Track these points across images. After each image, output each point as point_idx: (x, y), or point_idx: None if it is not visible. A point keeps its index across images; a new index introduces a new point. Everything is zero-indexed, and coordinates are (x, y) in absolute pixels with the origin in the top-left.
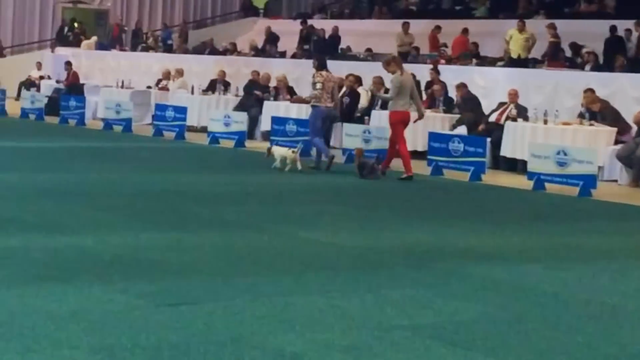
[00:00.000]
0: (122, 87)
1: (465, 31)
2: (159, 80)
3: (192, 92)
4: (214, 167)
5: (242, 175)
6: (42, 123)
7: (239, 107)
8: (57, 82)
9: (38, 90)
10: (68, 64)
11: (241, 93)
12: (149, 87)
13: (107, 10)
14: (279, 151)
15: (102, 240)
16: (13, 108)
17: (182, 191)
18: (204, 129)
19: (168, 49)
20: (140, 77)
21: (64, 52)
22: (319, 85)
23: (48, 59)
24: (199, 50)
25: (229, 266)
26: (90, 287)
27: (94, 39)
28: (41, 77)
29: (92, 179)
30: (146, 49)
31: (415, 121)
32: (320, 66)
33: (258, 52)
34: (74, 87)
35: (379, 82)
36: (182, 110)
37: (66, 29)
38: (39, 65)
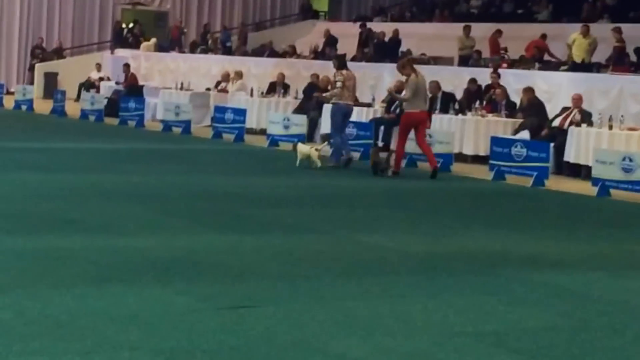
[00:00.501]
0: (181, 89)
1: (543, 36)
2: (218, 83)
3: (252, 95)
4: (273, 169)
5: (301, 177)
6: (102, 124)
7: (299, 110)
8: (117, 83)
9: (97, 91)
10: (126, 66)
11: (300, 96)
12: (208, 89)
13: (167, 11)
14: (302, 149)
15: (162, 242)
16: (73, 109)
17: (241, 193)
18: (263, 132)
19: (227, 51)
20: (199, 79)
21: (123, 53)
22: (339, 84)
23: (107, 60)
24: (258, 52)
25: (289, 269)
26: (151, 289)
27: (153, 40)
28: (100, 79)
29: (152, 181)
30: (205, 51)
31: (428, 126)
32: (341, 66)
33: (317, 54)
34: (133, 89)
35: (437, 86)
36: (241, 113)
37: (125, 30)
38: (99, 67)
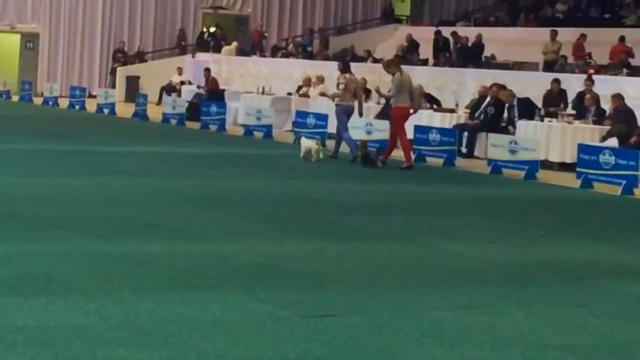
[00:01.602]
0: (262, 93)
1: (622, 39)
2: (300, 87)
3: (333, 100)
4: (356, 175)
5: (385, 184)
6: (183, 128)
7: (381, 115)
8: (198, 87)
9: (179, 95)
10: (207, 70)
11: (383, 101)
12: (289, 93)
13: (248, 16)
14: (305, 143)
15: (244, 249)
16: (154, 113)
17: (324, 199)
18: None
19: (308, 56)
20: (280, 83)
21: (205, 57)
22: (341, 86)
23: (189, 64)
24: (340, 56)
25: (373, 277)
26: (235, 296)
27: (235, 44)
28: (182, 83)
29: (234, 186)
30: (286, 55)
31: (411, 114)
32: (344, 69)
33: (399, 59)
34: (214, 93)
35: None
36: (322, 117)
37: (206, 34)
38: (180, 71)
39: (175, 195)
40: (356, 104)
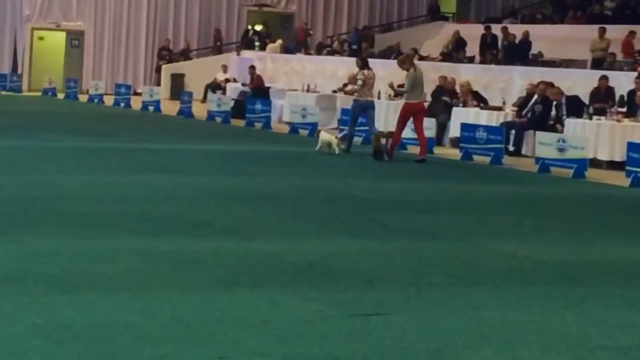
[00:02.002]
0: (307, 91)
1: None
2: (345, 85)
3: (379, 97)
4: (402, 173)
5: (430, 183)
6: (228, 126)
7: (427, 113)
8: (243, 85)
9: (224, 93)
10: (252, 67)
11: (429, 99)
12: (334, 91)
13: (293, 13)
14: (323, 136)
15: (291, 247)
16: (199, 110)
17: (370, 198)
18: (391, 134)
19: (354, 53)
20: (325, 81)
21: (249, 55)
22: (360, 82)
23: (233, 62)
24: (386, 54)
25: (421, 276)
26: (281, 295)
27: (279, 42)
28: (227, 80)
29: (280, 184)
30: (331, 52)
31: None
32: (363, 65)
33: (445, 56)
34: (259, 91)
35: (559, 92)
36: None
37: (251, 32)
38: (225, 68)
39: (221, 192)
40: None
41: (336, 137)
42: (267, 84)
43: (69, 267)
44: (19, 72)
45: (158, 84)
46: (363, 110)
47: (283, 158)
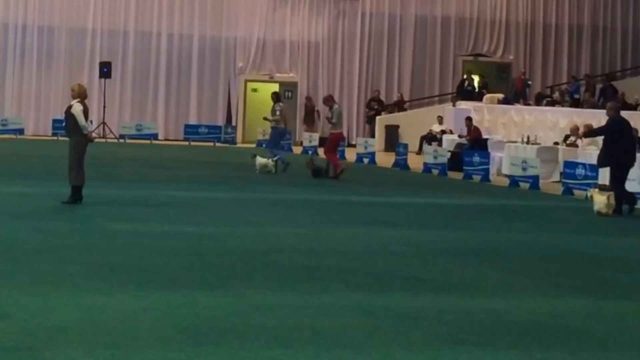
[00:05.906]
0: (527, 142)
1: None
2: (567, 136)
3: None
4: (634, 230)
5: None
6: (445, 178)
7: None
8: (459, 136)
9: (440, 144)
10: (468, 119)
11: None
12: (556, 143)
13: (510, 62)
14: (260, 160)
15: (516, 304)
16: (415, 162)
17: (597, 254)
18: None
19: (575, 104)
20: (546, 132)
21: (465, 106)
22: (278, 113)
23: (449, 112)
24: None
25: None
26: (506, 354)
27: (500, 95)
28: (442, 132)
29: (500, 239)
30: (551, 103)
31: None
32: (277, 100)
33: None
34: (477, 142)
35: None
36: (593, 169)
37: (467, 82)
38: (440, 119)
39: (440, 247)
40: None
41: (272, 160)
42: (484, 136)
43: (288, 320)
44: (233, 123)
45: (371, 135)
46: (282, 135)
47: (503, 212)
